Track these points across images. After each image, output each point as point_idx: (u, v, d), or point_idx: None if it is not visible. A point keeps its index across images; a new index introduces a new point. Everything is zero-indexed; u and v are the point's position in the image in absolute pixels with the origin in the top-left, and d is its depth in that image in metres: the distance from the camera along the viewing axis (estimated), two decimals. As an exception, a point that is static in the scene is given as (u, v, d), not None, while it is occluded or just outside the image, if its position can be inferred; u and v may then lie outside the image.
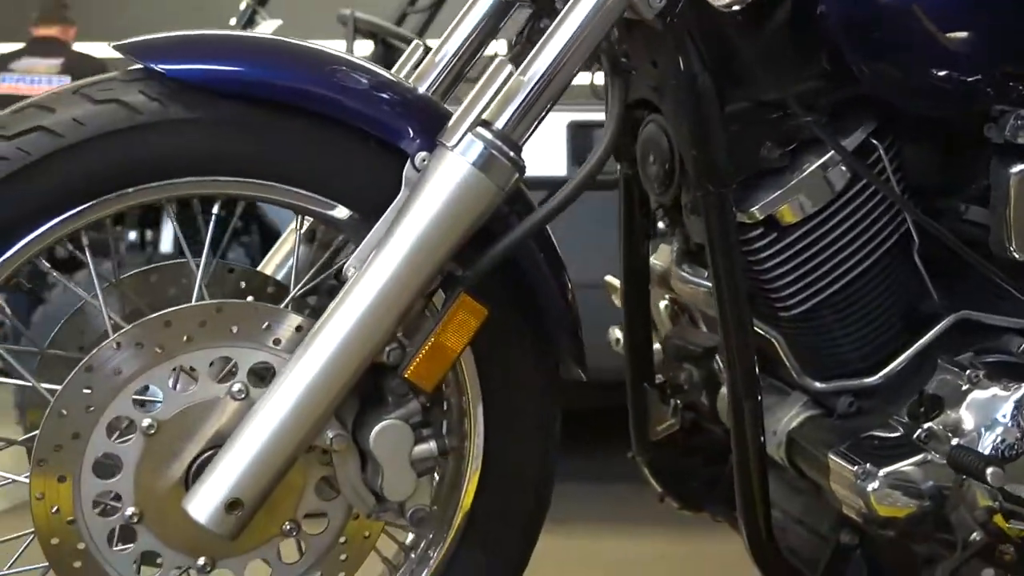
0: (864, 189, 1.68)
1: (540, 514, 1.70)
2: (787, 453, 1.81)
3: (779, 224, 1.67)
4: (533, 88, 1.53)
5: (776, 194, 1.65)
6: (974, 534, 1.66)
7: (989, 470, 1.57)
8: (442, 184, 1.49)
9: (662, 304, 2.01)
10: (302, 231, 1.68)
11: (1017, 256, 1.71)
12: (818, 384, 1.76)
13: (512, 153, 1.50)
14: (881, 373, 1.74)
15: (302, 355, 1.49)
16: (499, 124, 1.50)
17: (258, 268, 1.78)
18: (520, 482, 1.67)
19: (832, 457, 1.71)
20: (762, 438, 1.70)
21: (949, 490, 1.68)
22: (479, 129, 1.50)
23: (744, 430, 1.68)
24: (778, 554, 1.74)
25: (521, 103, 1.52)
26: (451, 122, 1.53)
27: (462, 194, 1.47)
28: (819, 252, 1.69)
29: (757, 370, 1.68)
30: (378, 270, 1.49)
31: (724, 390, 1.94)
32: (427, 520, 1.54)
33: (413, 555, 1.68)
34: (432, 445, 1.51)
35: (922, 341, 1.74)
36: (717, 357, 1.95)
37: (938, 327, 1.74)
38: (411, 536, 1.69)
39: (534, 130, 1.51)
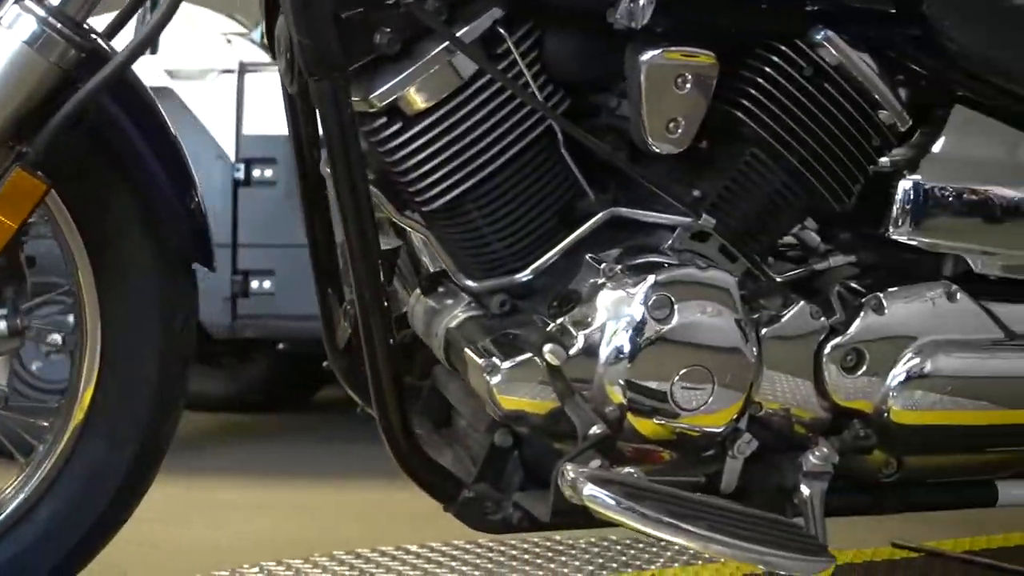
0: (494, 80, 1.65)
1: (166, 418, 1.69)
2: (446, 354, 1.79)
3: (404, 114, 1.64)
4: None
5: (394, 81, 1.62)
6: (594, 427, 1.64)
7: (547, 347, 1.56)
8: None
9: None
10: None
11: (655, 148, 1.69)
12: (472, 283, 1.73)
13: (67, 28, 1.48)
14: (529, 269, 1.71)
15: None
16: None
17: None
18: (142, 380, 1.66)
19: (467, 352, 1.70)
20: (391, 339, 1.67)
21: (574, 384, 1.65)
22: (28, 3, 1.49)
23: (370, 327, 1.65)
24: (421, 455, 1.71)
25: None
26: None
27: (11, 70, 1.47)
28: (451, 144, 1.66)
29: (380, 266, 1.65)
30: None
31: (406, 295, 1.92)
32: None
33: (42, 447, 1.68)
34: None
35: (571, 238, 1.71)
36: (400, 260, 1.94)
37: (587, 224, 1.71)
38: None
39: (94, 4, 1.50)
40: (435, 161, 1.66)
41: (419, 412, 1.91)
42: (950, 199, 1.86)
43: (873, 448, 1.81)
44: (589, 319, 1.66)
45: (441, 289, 1.83)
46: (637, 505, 1.46)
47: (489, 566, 2.27)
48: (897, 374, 1.79)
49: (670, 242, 1.71)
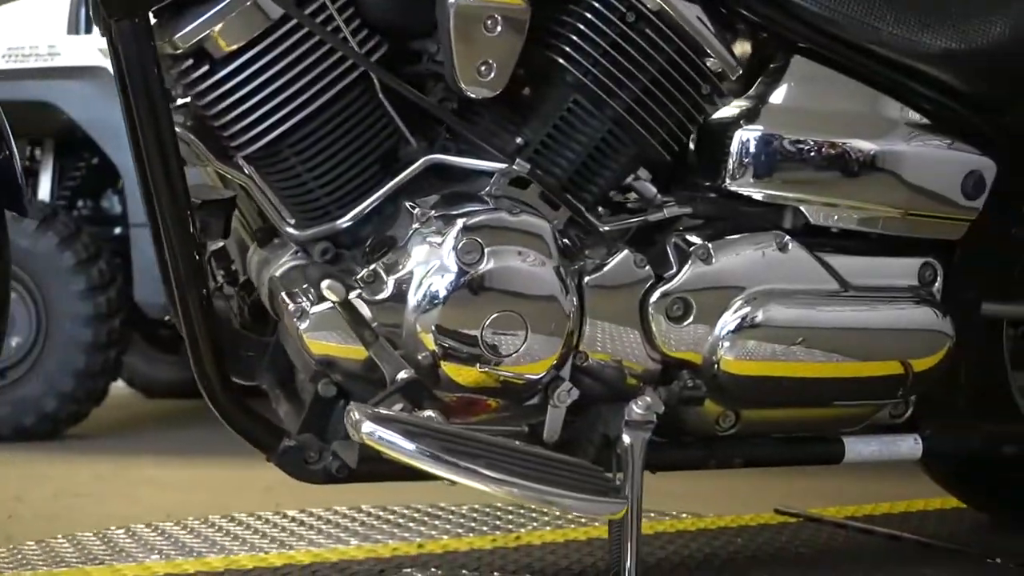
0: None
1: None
2: (271, 303, 1.78)
3: (211, 56, 1.63)
4: None
5: (197, 22, 1.61)
6: (401, 373, 1.62)
7: (324, 283, 1.55)
8: None
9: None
10: None
11: (468, 92, 1.67)
12: (295, 232, 1.72)
13: None
14: (349, 216, 1.70)
15: None
16: None
17: None
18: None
19: (282, 297, 1.69)
20: (206, 288, 1.66)
21: (385, 330, 1.64)
22: None
23: (181, 278, 1.64)
24: (239, 406, 1.70)
25: None
26: None
27: None
28: (261, 87, 1.64)
29: (190, 215, 1.64)
30: None
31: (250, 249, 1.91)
32: None
33: None
34: None
35: (389, 185, 1.70)
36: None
37: (407, 171, 1.70)
38: None
39: None
40: (245, 105, 1.65)
41: (265, 367, 1.89)
42: (788, 150, 1.84)
43: (703, 399, 1.79)
44: (400, 265, 1.65)
45: (276, 240, 1.82)
46: (413, 443, 1.44)
47: (361, 530, 2.26)
48: (725, 324, 1.77)
49: (488, 188, 1.70)
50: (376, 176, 1.71)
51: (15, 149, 1.71)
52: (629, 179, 1.81)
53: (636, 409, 1.71)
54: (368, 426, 1.44)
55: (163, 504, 2.65)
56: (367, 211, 1.70)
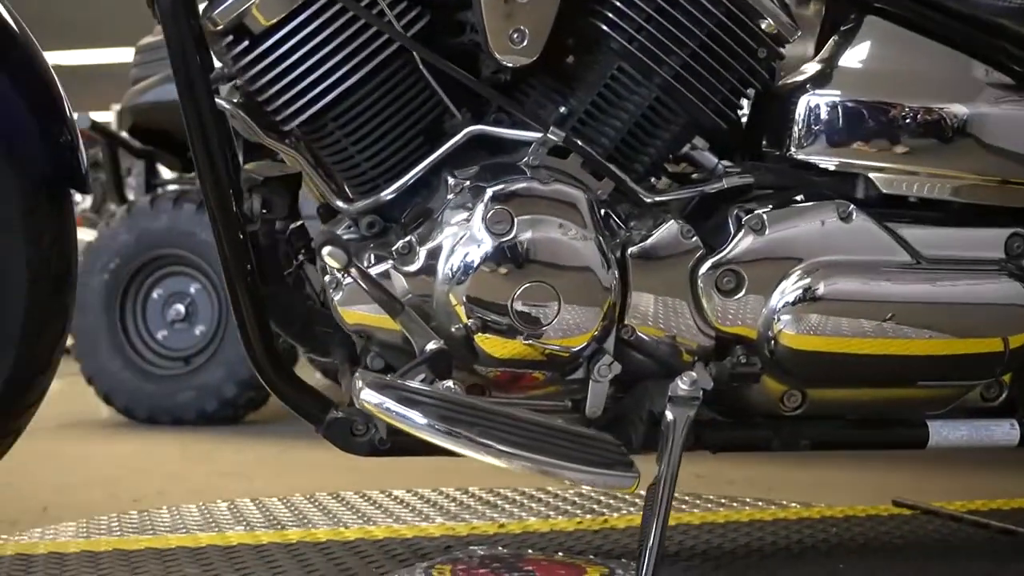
0: (340, -4, 1.65)
1: (41, 337, 1.75)
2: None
3: (250, 31, 1.65)
4: None
5: (234, -1, 1.64)
6: (430, 343, 1.62)
7: (325, 249, 1.54)
8: None
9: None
10: None
11: (500, 60, 1.65)
12: (344, 205, 1.73)
13: None
14: (392, 188, 1.70)
15: None
16: None
17: None
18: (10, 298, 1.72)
19: (321, 269, 1.70)
20: (249, 264, 1.68)
21: (418, 301, 1.64)
22: None
23: (226, 255, 1.67)
24: (288, 378, 1.72)
25: None
26: None
27: None
28: (300, 61, 1.65)
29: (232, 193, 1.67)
30: None
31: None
32: None
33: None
34: None
35: (432, 157, 1.69)
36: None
37: (450, 143, 1.69)
38: None
39: None
40: (286, 79, 1.66)
41: (337, 343, 1.91)
42: (861, 115, 1.75)
43: (758, 376, 1.71)
44: (433, 235, 1.64)
45: (338, 216, 1.83)
46: (409, 409, 1.43)
47: (351, 516, 2.25)
48: (782, 297, 1.69)
49: (526, 159, 1.67)
50: (420, 149, 1.70)
51: (78, 133, 1.78)
52: (686, 149, 1.76)
53: (681, 385, 1.65)
54: (367, 392, 1.43)
55: (310, 484, 2.70)
56: (411, 183, 1.69)
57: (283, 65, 1.66)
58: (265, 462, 3.34)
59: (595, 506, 2.29)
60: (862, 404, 1.80)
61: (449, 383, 1.56)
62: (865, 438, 1.83)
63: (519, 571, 1.74)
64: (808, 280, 1.69)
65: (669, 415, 1.64)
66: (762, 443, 1.78)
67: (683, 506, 2.30)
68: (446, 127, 1.72)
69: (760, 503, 2.32)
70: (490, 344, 1.63)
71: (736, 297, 1.69)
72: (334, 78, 1.66)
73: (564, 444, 1.47)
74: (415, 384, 1.51)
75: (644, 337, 1.69)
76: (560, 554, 1.89)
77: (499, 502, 2.33)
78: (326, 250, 1.55)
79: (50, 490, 2.78)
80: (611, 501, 2.32)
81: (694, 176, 1.81)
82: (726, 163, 1.77)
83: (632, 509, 2.26)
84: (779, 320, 1.69)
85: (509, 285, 1.61)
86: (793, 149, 1.75)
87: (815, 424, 1.78)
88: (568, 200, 1.64)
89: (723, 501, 2.35)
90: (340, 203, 1.73)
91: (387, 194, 1.70)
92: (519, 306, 1.62)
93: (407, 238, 1.66)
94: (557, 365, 1.66)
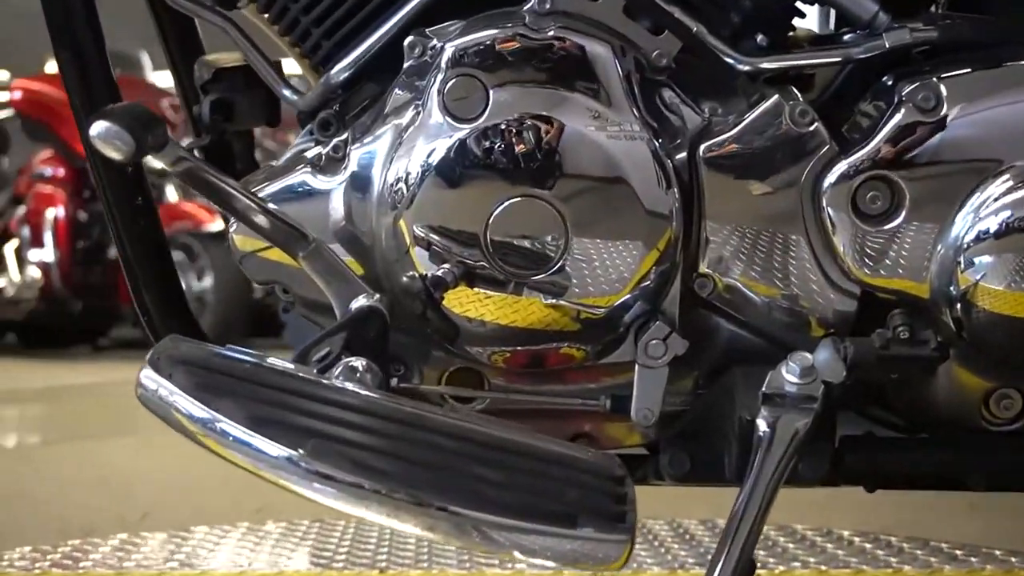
0: None
1: None
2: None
3: None
4: None
5: None
6: (358, 300, 0.99)
7: (92, 129, 0.93)
8: None
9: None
10: None
11: None
12: (291, 95, 1.13)
13: None
14: (343, 65, 1.08)
15: None
16: None
17: None
18: None
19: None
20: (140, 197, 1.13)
21: (348, 231, 1.02)
22: None
23: (114, 214, 1.12)
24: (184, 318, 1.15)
25: None
26: None
27: None
28: None
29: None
30: None
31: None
32: None
33: None
34: None
35: (403, 10, 1.07)
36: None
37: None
38: None
39: None
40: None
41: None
42: None
43: (936, 362, 1.00)
44: (375, 126, 1.03)
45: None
46: (201, 404, 0.80)
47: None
48: (974, 224, 0.98)
49: (532, 2, 1.02)
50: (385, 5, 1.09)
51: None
52: (818, -13, 1.06)
53: (786, 375, 0.97)
54: (145, 375, 0.82)
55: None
56: (369, 57, 1.08)
57: None
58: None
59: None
60: None
61: (361, 362, 0.92)
62: None
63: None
64: (1018, 195, 0.97)
65: (761, 425, 0.96)
66: (951, 476, 1.06)
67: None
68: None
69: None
70: (453, 298, 1.00)
71: (890, 225, 0.99)
72: None
73: (518, 478, 0.81)
74: (273, 362, 0.88)
75: (730, 294, 1.02)
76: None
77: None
78: (94, 130, 0.94)
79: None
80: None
81: (846, 38, 1.11)
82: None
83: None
84: (970, 265, 0.98)
85: (483, 202, 0.98)
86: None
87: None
88: (583, 59, 0.98)
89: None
90: (287, 92, 1.14)
91: (336, 74, 1.09)
92: (498, 235, 0.98)
93: (343, 135, 1.05)
94: (574, 337, 1.01)
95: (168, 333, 1.12)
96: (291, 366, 0.86)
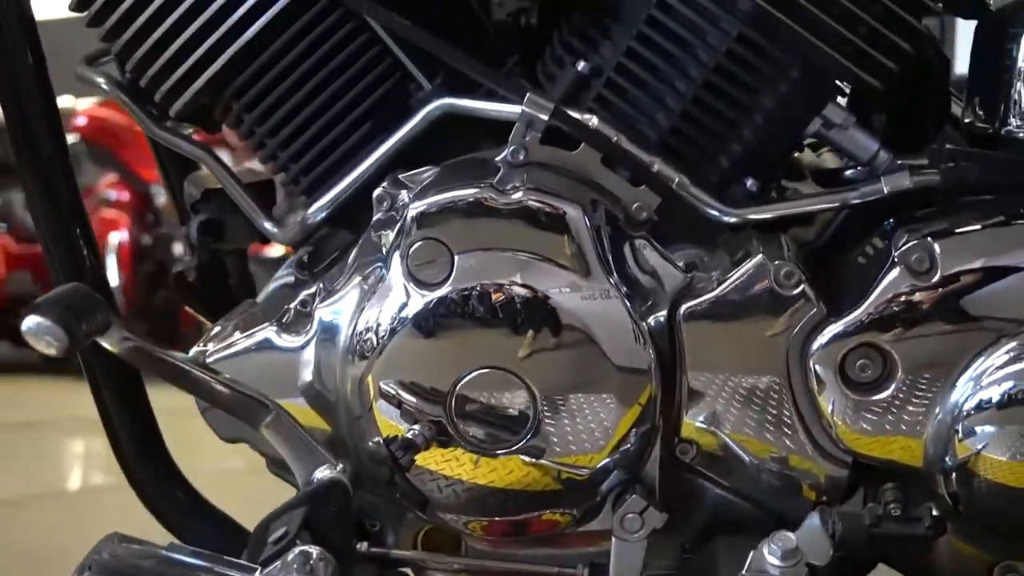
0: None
1: None
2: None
3: None
4: None
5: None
6: (320, 471, 0.95)
7: (24, 324, 0.89)
8: None
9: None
10: None
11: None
12: (272, 227, 1.09)
13: None
14: (319, 204, 1.05)
15: None
16: None
17: None
18: None
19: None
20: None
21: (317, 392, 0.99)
22: None
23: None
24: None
25: None
26: None
27: None
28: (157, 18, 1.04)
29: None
30: None
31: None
32: None
33: None
34: None
35: (378, 152, 1.03)
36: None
37: (406, 126, 1.02)
38: None
39: None
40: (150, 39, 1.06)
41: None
42: None
43: (932, 538, 0.94)
44: (339, 283, 0.99)
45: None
46: None
47: None
48: (975, 393, 0.92)
49: (506, 153, 0.97)
50: (368, 139, 1.05)
51: None
52: (813, 127, 1.00)
53: (768, 557, 0.91)
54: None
55: None
56: (343, 199, 1.04)
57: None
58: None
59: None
60: None
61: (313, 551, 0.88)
62: None
63: None
64: (1019, 365, 0.91)
65: (735, 615, 0.91)
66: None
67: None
68: (411, 102, 1.05)
69: None
70: (428, 459, 0.95)
71: (880, 395, 0.93)
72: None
73: None
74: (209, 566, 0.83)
75: (714, 460, 0.96)
76: None
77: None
78: (25, 325, 0.89)
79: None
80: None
81: (848, 173, 1.05)
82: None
83: None
84: (969, 435, 0.92)
85: (447, 372, 0.93)
86: (1012, 121, 0.98)
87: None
88: (551, 222, 0.93)
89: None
90: (268, 225, 1.10)
91: (314, 213, 1.06)
92: (462, 406, 0.93)
93: (311, 287, 1.01)
94: (554, 502, 0.96)
95: (144, 474, 1.10)
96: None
